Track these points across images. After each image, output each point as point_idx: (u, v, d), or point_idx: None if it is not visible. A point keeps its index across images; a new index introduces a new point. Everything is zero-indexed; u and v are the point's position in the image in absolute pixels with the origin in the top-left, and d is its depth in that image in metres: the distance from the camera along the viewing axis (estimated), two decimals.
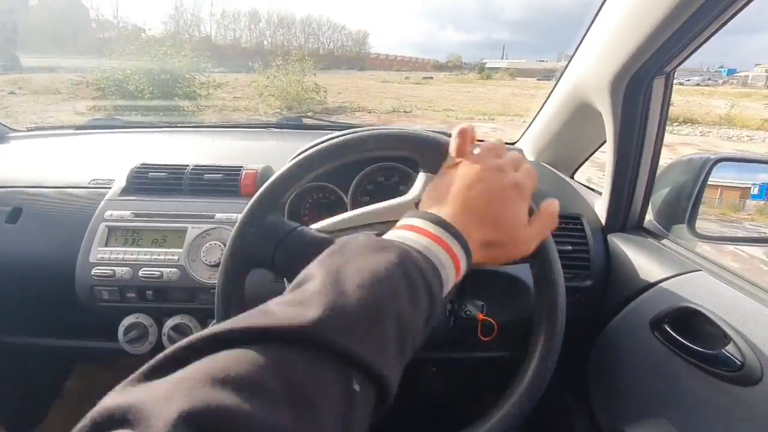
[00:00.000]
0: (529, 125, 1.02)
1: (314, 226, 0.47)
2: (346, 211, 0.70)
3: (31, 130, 1.12)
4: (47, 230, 0.74)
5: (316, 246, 0.45)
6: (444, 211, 0.35)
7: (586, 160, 0.93)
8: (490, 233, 0.36)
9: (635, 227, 0.71)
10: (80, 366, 1.18)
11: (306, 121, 1.19)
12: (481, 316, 0.55)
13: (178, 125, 1.18)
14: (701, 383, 0.50)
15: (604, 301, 0.69)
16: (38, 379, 1.16)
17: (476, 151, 0.41)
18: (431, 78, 28.69)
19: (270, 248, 0.44)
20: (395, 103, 12.73)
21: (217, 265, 0.65)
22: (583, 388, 0.73)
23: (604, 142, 0.84)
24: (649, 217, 0.73)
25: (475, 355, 0.73)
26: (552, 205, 0.42)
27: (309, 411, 0.21)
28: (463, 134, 0.40)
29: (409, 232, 0.33)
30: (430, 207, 0.37)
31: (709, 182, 0.66)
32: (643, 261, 0.64)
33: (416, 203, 0.44)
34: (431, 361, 0.68)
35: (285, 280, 0.46)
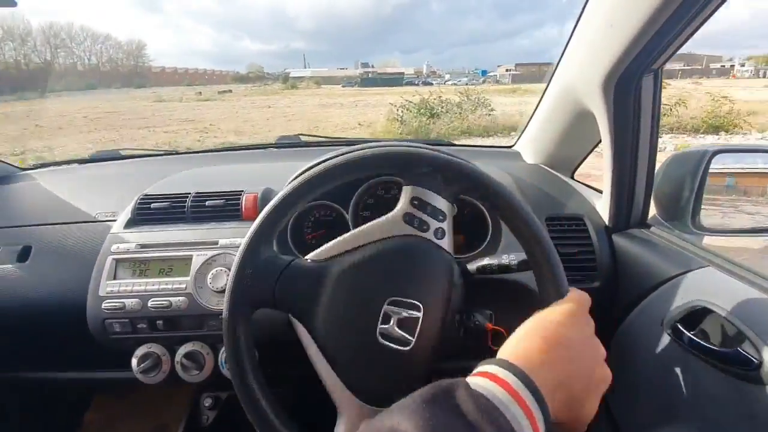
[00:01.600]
0: (525, 127, 1.03)
1: (309, 256, 0.48)
2: (347, 227, 0.71)
3: (37, 166, 1.14)
4: (57, 266, 0.75)
5: (313, 277, 0.46)
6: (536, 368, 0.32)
7: (585, 158, 0.93)
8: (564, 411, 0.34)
9: (639, 225, 0.71)
10: (98, 397, 1.19)
11: (303, 138, 1.21)
12: (489, 326, 0.55)
13: (178, 152, 1.20)
14: (719, 383, 0.49)
15: (614, 302, 0.69)
16: (58, 412, 1.17)
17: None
18: (229, 91, 25.86)
19: (268, 287, 0.45)
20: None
21: (223, 291, 0.65)
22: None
23: (599, 142, 0.84)
24: (653, 213, 0.72)
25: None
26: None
27: None
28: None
29: (495, 386, 0.30)
30: (520, 349, 0.35)
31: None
32: (650, 259, 0.64)
33: (404, 216, 0.46)
34: (441, 372, 0.68)
35: (290, 315, 0.47)
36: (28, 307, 0.74)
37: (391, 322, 0.43)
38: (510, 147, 1.07)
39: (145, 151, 1.25)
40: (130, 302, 0.66)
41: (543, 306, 0.40)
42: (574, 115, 0.78)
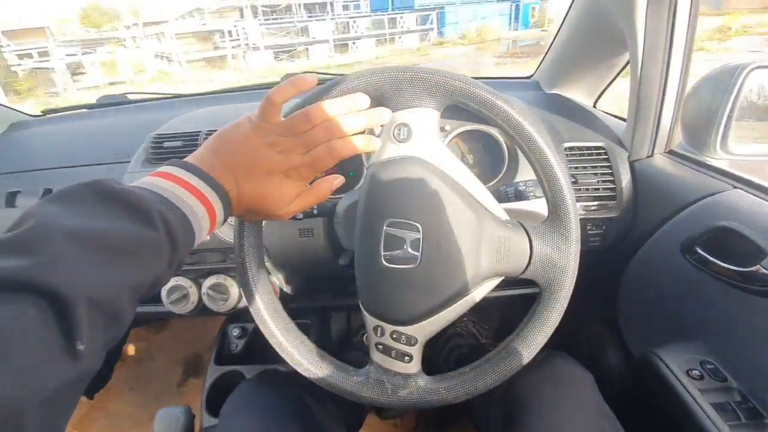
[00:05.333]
0: (545, 56, 0.96)
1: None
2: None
3: (47, 113, 1.14)
4: None
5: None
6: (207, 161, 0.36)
7: (608, 86, 0.88)
8: (246, 201, 0.38)
9: (664, 152, 0.68)
10: (136, 330, 1.29)
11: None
12: None
13: (183, 95, 1.18)
14: (738, 302, 0.50)
15: (632, 230, 0.68)
16: None
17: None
18: None
19: None
20: None
21: None
22: (613, 315, 0.74)
23: (627, 64, 0.79)
24: (679, 140, 0.69)
25: (509, 292, 0.75)
26: (324, 185, 0.41)
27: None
28: (288, 87, 0.38)
29: (157, 179, 0.33)
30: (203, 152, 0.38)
31: None
32: (672, 185, 0.62)
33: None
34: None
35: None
36: None
37: (392, 244, 0.43)
38: (529, 77, 1.01)
39: (151, 95, 1.23)
40: None
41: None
42: (600, 35, 0.73)
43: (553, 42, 0.92)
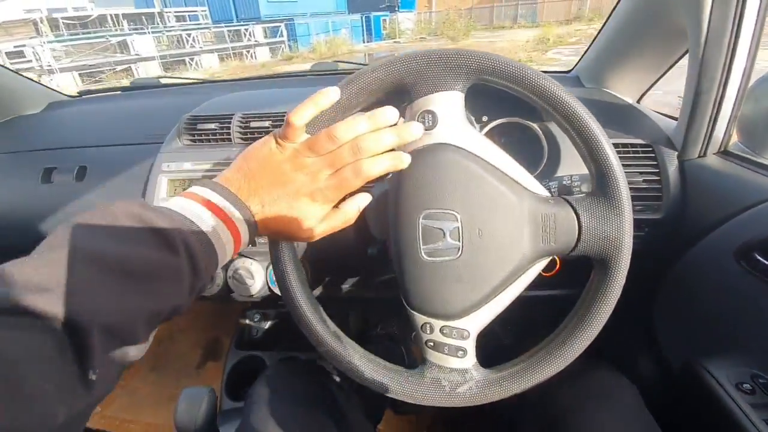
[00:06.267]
0: (587, 49, 0.92)
1: None
2: None
3: (83, 94, 1.16)
4: (112, 185, 0.79)
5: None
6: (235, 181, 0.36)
7: (656, 83, 0.84)
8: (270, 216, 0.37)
9: (718, 152, 0.64)
10: None
11: (341, 65, 1.15)
12: None
13: (214, 80, 1.19)
14: None
15: (677, 234, 0.64)
16: None
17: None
18: None
19: None
20: None
21: None
22: (648, 322, 0.70)
23: (678, 59, 0.74)
24: (735, 139, 0.65)
25: (534, 293, 0.72)
26: (350, 208, 0.41)
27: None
28: (308, 105, 0.36)
29: (187, 201, 0.34)
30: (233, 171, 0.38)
31: None
32: (727, 187, 0.58)
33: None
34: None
35: None
36: None
37: (431, 236, 0.41)
38: (568, 72, 0.97)
39: (184, 80, 1.24)
40: None
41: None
42: (655, 28, 0.69)
43: (596, 37, 0.88)
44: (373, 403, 0.63)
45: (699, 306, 0.61)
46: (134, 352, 0.27)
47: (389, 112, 0.37)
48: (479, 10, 21.75)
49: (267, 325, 0.92)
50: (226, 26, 15.19)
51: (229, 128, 0.72)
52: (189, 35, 14.12)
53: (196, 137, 0.74)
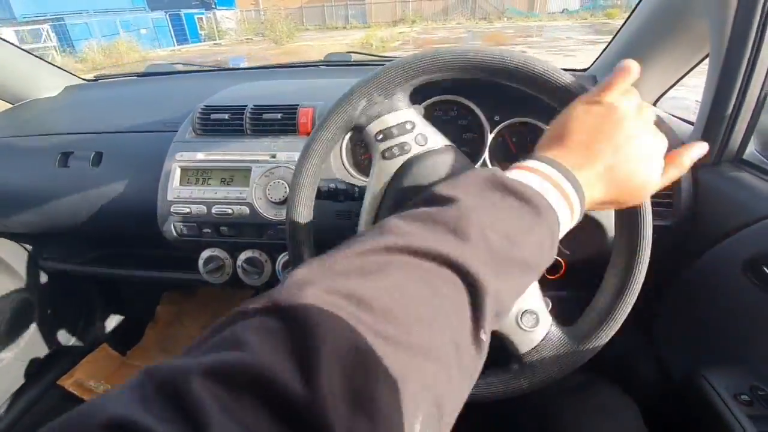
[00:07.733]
0: (605, 49, 0.91)
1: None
2: None
3: (99, 78, 1.17)
4: (127, 172, 0.80)
5: None
6: (571, 160, 0.32)
7: (672, 86, 0.82)
8: (612, 194, 0.33)
9: (733, 160, 0.63)
10: (168, 293, 1.34)
11: (354, 57, 1.15)
12: None
13: (228, 68, 1.19)
14: None
15: (685, 242, 0.64)
16: (135, 305, 1.33)
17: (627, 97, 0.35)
18: None
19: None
20: None
21: (281, 203, 0.67)
22: (649, 331, 0.70)
23: (698, 63, 0.73)
24: (751, 148, 0.63)
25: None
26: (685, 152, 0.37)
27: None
28: (626, 71, 0.34)
29: (547, 183, 0.30)
30: (555, 147, 0.33)
31: None
32: (740, 197, 0.57)
33: (382, 154, 0.44)
34: None
35: None
36: (102, 209, 0.81)
37: None
38: (584, 70, 0.95)
39: (198, 67, 1.25)
40: (196, 208, 0.69)
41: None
42: (675, 28, 0.67)
43: (614, 37, 0.86)
44: None
45: (703, 316, 0.60)
46: (498, 325, 0.26)
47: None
48: (311, 10, 21.14)
49: None
50: None
51: (241, 119, 0.73)
52: None
53: (209, 127, 0.74)
